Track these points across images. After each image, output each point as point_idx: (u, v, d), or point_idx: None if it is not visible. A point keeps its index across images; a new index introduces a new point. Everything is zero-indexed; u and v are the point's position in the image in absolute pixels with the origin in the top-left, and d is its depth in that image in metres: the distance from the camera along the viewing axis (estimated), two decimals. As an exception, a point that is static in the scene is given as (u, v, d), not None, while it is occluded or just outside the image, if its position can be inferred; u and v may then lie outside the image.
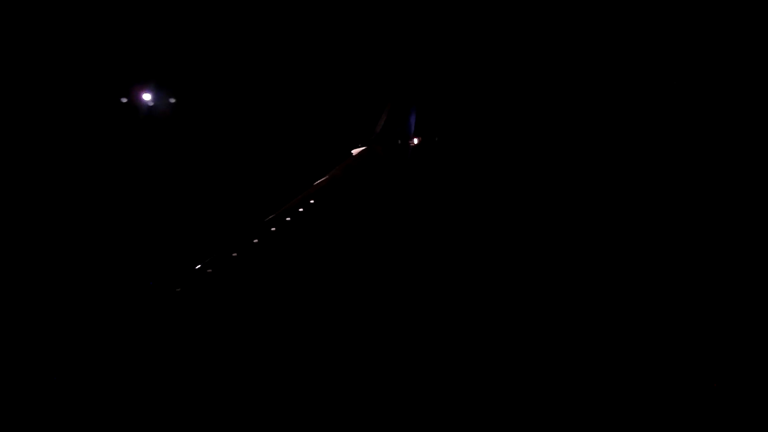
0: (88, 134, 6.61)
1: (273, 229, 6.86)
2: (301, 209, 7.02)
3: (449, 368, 6.84)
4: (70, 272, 6.41)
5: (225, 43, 7.07)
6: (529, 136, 7.86)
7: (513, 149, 7.88)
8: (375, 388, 6.56)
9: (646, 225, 7.81)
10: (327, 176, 7.25)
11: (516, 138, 7.88)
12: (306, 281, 6.92)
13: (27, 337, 5.83)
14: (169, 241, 6.75)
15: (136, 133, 6.78)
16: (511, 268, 7.55)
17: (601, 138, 7.88)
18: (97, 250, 6.51)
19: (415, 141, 7.64)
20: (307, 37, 7.41)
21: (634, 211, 7.85)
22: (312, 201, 7.08)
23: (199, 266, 6.49)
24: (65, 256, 6.40)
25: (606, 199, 7.81)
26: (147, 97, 6.76)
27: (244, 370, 6.28)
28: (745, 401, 6.69)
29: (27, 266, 6.29)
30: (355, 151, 7.45)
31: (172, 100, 6.99)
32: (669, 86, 7.77)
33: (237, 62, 7.17)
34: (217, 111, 7.17)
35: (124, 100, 6.64)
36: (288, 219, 6.96)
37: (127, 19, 6.68)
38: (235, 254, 6.70)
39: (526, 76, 7.78)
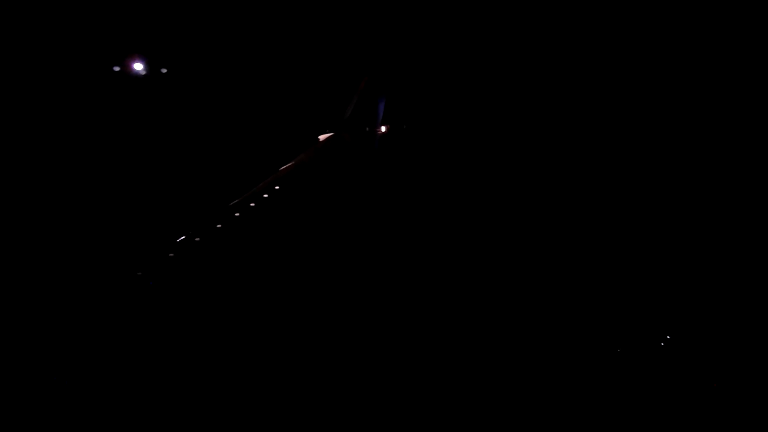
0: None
1: (237, 214, 6.82)
2: (266, 195, 6.99)
3: (406, 360, 6.90)
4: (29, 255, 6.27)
5: (187, 23, 6.93)
6: (496, 127, 7.90)
7: (481, 139, 7.92)
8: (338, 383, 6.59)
9: (637, 220, 7.83)
10: (293, 162, 7.21)
11: (484, 128, 7.92)
12: (269, 267, 6.92)
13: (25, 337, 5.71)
14: (128, 224, 6.66)
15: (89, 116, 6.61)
16: (481, 258, 7.63)
17: (579, 128, 7.89)
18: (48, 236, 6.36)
19: (383, 129, 7.63)
20: (276, 19, 7.31)
21: (613, 198, 7.87)
22: (277, 187, 7.04)
23: (160, 250, 6.44)
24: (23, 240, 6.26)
25: (584, 186, 7.85)
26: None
27: (203, 361, 6.27)
28: (745, 401, 6.78)
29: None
30: (322, 137, 7.41)
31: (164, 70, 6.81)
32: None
33: (199, 42, 7.03)
34: (179, 92, 7.04)
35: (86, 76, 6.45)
36: (252, 204, 6.92)
37: None
38: (197, 239, 6.66)
39: (496, 64, 7.79)
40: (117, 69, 6.69)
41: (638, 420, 6.84)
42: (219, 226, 6.72)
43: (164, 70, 6.87)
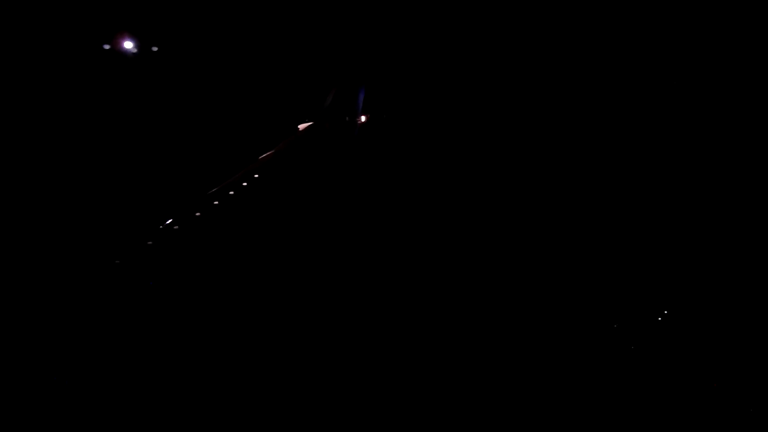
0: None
1: (216, 202, 6.83)
2: (245, 183, 7.00)
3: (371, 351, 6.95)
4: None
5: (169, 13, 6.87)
6: (478, 117, 7.96)
7: (462, 128, 7.98)
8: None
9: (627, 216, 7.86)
10: (272, 151, 7.22)
11: (465, 117, 7.97)
12: (249, 256, 6.94)
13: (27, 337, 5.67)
14: (103, 212, 6.63)
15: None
16: (464, 248, 7.70)
17: (566, 119, 7.92)
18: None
19: (363, 118, 7.66)
20: (255, 7, 7.28)
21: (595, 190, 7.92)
22: (256, 175, 7.06)
23: (138, 238, 6.44)
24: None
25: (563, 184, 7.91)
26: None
27: (188, 352, 6.31)
28: (745, 401, 6.86)
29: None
30: (301, 126, 7.43)
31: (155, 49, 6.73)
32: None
33: (180, 30, 6.99)
34: (156, 79, 6.99)
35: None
36: (231, 193, 6.93)
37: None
38: (176, 227, 6.66)
39: (478, 54, 7.82)
40: (106, 47, 6.61)
41: (638, 420, 6.92)
42: (198, 214, 6.73)
43: (136, 53, 6.80)
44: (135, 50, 6.79)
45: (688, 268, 7.74)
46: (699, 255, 7.78)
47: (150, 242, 6.46)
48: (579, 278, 7.67)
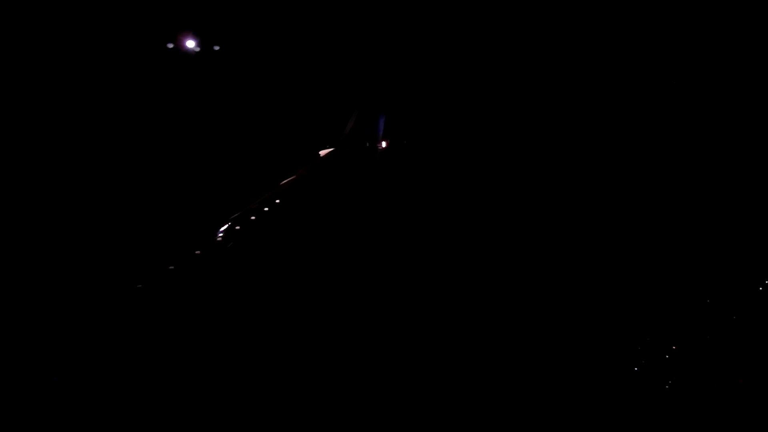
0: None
1: (237, 227, 6.88)
2: (266, 208, 7.05)
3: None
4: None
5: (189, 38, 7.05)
6: (497, 143, 7.98)
7: (481, 155, 7.99)
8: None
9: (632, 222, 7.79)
10: (294, 176, 7.29)
11: (485, 143, 7.99)
12: (269, 281, 6.95)
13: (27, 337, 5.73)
14: (127, 233, 6.70)
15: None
16: (482, 275, 7.63)
17: (582, 145, 7.92)
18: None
19: (384, 144, 7.71)
20: (278, 34, 7.44)
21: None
22: (278, 201, 7.11)
23: (160, 262, 6.47)
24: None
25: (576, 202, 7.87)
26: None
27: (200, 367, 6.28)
28: (746, 401, 6.72)
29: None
30: (322, 153, 7.50)
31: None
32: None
33: (202, 58, 7.16)
34: (183, 104, 7.13)
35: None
36: (253, 218, 6.98)
37: None
38: (198, 251, 6.70)
39: (497, 81, 7.88)
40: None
41: (638, 420, 6.80)
42: (219, 238, 6.77)
43: (167, 81, 6.95)
44: (158, 79, 6.95)
45: (687, 268, 7.62)
46: (698, 254, 7.65)
47: (172, 267, 6.50)
48: (585, 287, 7.58)
